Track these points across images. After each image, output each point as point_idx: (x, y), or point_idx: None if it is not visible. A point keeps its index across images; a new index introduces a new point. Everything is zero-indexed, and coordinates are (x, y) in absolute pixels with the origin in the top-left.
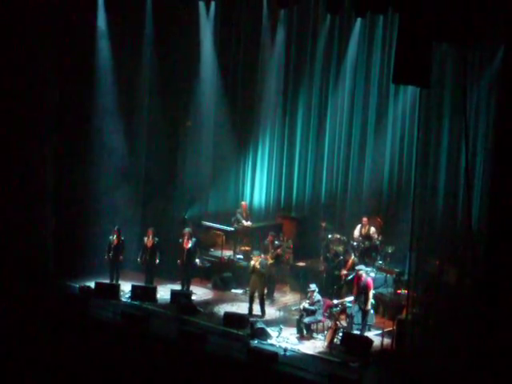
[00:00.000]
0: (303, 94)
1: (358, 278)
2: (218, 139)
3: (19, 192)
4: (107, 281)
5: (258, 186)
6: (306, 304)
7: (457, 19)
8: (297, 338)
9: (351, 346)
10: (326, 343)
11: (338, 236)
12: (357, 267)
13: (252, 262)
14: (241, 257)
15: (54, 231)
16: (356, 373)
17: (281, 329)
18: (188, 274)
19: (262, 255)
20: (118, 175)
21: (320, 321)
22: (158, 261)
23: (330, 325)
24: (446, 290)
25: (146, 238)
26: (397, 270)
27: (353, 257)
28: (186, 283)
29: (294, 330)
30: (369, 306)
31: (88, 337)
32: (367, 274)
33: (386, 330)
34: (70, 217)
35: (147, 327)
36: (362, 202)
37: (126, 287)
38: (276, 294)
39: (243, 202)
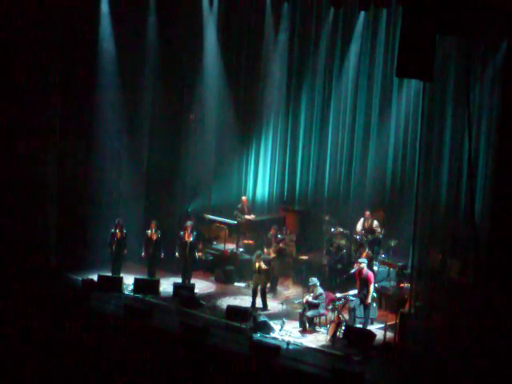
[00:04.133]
0: (306, 88)
1: (360, 271)
2: (221, 132)
3: (21, 184)
4: (109, 274)
5: (260, 179)
6: (309, 297)
7: (460, 12)
8: (299, 331)
9: (354, 339)
10: (328, 337)
11: (341, 229)
12: (358, 260)
13: (256, 264)
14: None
15: (56, 224)
16: (359, 366)
17: (283, 322)
18: (189, 268)
19: (266, 249)
20: (120, 168)
21: (323, 314)
22: (163, 254)
23: (332, 318)
24: (448, 283)
25: (149, 231)
26: (400, 263)
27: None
28: (188, 276)
29: (296, 324)
30: (369, 300)
31: (90, 330)
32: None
33: (388, 323)
34: (72, 209)
35: (150, 320)
36: (365, 195)
37: (128, 280)
38: (279, 288)
39: (244, 197)
